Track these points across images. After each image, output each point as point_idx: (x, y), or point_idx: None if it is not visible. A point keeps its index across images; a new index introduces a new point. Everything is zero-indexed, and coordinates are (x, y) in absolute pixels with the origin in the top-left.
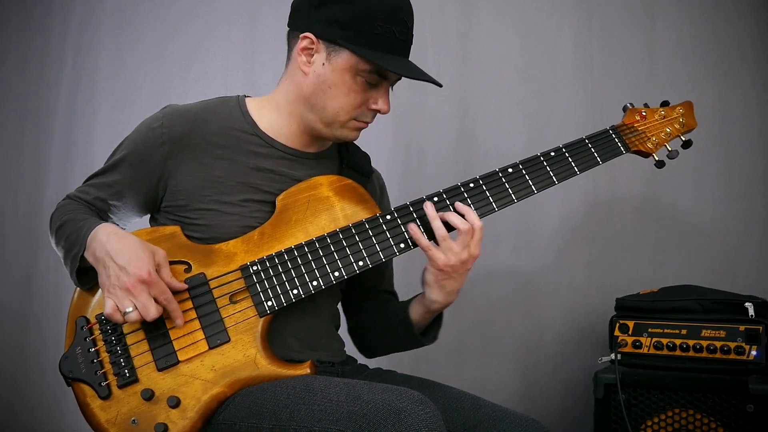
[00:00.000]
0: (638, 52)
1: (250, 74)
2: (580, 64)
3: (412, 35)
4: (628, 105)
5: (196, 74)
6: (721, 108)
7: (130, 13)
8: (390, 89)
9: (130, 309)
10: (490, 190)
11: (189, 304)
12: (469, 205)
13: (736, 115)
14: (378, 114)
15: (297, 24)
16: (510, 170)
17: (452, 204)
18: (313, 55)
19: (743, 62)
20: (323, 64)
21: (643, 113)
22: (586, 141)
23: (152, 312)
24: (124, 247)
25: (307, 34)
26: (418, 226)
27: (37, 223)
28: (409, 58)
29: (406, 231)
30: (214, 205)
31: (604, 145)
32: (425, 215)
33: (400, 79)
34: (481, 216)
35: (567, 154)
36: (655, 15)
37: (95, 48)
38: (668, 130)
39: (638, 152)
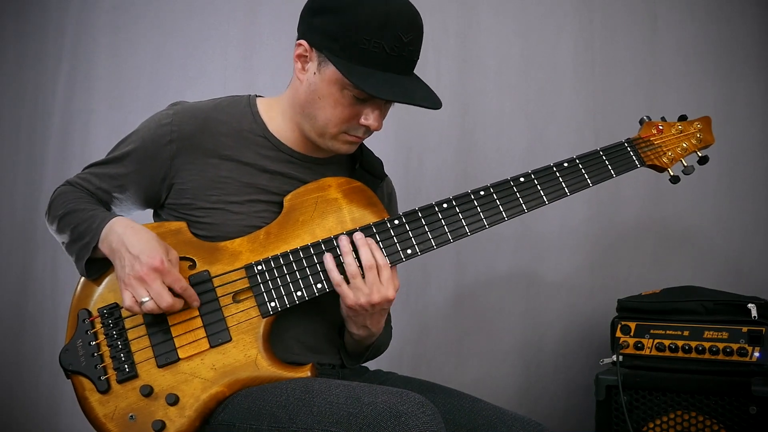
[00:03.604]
0: (640, 52)
1: (249, 73)
2: (582, 64)
3: (413, 50)
4: (645, 118)
5: (194, 73)
6: (724, 107)
7: (127, 12)
8: (386, 104)
9: (146, 298)
10: (501, 199)
11: None
12: (381, 246)
13: (738, 115)
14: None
15: (298, 29)
16: (522, 179)
17: (385, 249)
18: (307, 62)
19: (745, 61)
20: (314, 73)
21: (660, 127)
22: (601, 153)
23: (166, 299)
24: (140, 239)
25: (302, 41)
26: (336, 256)
27: (34, 223)
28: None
29: (323, 264)
30: (220, 204)
31: (618, 157)
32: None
33: None
34: (490, 225)
35: (581, 166)
36: (657, 14)
37: (92, 47)
38: (685, 145)
39: (653, 166)
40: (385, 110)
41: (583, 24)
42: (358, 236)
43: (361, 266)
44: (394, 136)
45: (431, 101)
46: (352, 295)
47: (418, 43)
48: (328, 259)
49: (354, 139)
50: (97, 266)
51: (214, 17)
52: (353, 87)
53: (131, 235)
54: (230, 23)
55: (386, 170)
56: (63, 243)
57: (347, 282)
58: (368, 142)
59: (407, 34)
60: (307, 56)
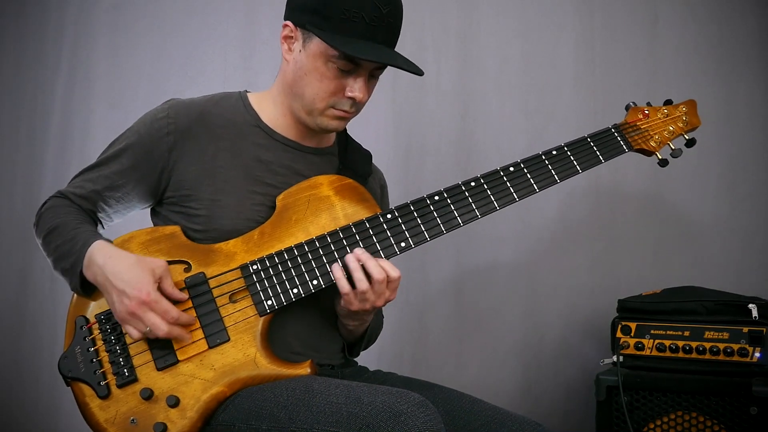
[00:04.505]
0: (640, 51)
1: (249, 73)
2: (582, 63)
3: (392, 22)
4: (631, 104)
5: (194, 73)
6: (724, 107)
7: (126, 11)
8: (371, 78)
9: (148, 329)
10: (492, 189)
11: (188, 304)
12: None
13: (738, 114)
14: (359, 103)
15: (284, 15)
16: (511, 169)
17: (379, 243)
18: (293, 42)
19: (746, 61)
20: (300, 51)
21: (646, 111)
22: (588, 139)
23: (163, 329)
24: (121, 269)
25: (287, 22)
26: (341, 267)
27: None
28: (397, 49)
29: (331, 269)
30: (217, 195)
31: (606, 143)
32: (382, 226)
33: (382, 69)
34: (482, 215)
35: (569, 153)
36: (658, 13)
37: (91, 46)
38: (671, 128)
39: (641, 150)
40: (371, 84)
41: (583, 24)
42: (360, 252)
43: (369, 278)
44: (394, 136)
45: (413, 66)
46: (358, 303)
47: (396, 17)
48: (336, 269)
49: (342, 114)
50: (89, 284)
51: (214, 17)
52: (336, 57)
53: (111, 266)
54: (230, 23)
55: (385, 170)
56: (49, 261)
57: (354, 290)
58: (368, 141)
59: (385, 5)
60: (292, 36)
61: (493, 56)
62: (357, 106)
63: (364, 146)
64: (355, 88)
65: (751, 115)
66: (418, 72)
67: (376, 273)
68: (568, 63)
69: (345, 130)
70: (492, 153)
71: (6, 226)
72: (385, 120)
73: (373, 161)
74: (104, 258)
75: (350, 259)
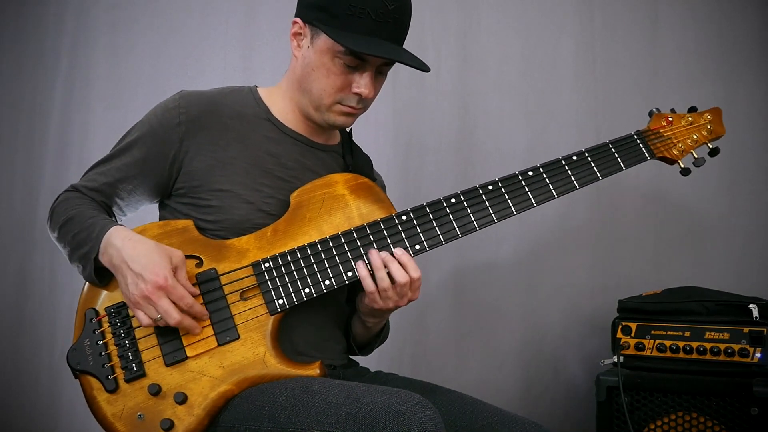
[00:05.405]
0: (640, 51)
1: (248, 72)
2: (582, 63)
3: (398, 18)
4: (654, 110)
5: (193, 73)
6: (724, 107)
7: (126, 11)
8: (378, 75)
9: (159, 316)
10: (509, 194)
11: (199, 300)
12: (407, 249)
13: (739, 115)
14: (365, 99)
15: (296, 11)
16: (530, 173)
17: (393, 245)
18: (302, 39)
19: (746, 61)
20: (308, 47)
21: (670, 119)
22: (610, 146)
23: (175, 317)
24: (139, 253)
25: (296, 19)
26: (366, 264)
27: (32, 222)
28: (404, 46)
29: (362, 257)
30: (227, 185)
31: (628, 150)
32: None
33: (390, 65)
34: (498, 220)
35: (590, 159)
36: (658, 14)
37: (91, 46)
38: (695, 136)
39: (663, 159)
40: (379, 81)
41: (583, 24)
42: (385, 255)
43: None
44: (394, 135)
45: (418, 62)
46: (381, 302)
47: (403, 13)
48: (361, 267)
49: (348, 110)
50: (104, 273)
51: (214, 17)
52: (342, 53)
53: (130, 248)
54: (230, 23)
55: (385, 170)
56: (65, 253)
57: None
58: (368, 141)
59: (391, 2)
60: (301, 33)
61: (493, 55)
62: (364, 102)
63: (365, 145)
64: (361, 84)
65: (751, 115)
66: (424, 68)
67: (399, 276)
68: (568, 63)
69: (350, 131)
70: (492, 153)
71: (5, 225)
72: (385, 119)
73: (372, 166)
74: (122, 240)
75: (374, 256)
